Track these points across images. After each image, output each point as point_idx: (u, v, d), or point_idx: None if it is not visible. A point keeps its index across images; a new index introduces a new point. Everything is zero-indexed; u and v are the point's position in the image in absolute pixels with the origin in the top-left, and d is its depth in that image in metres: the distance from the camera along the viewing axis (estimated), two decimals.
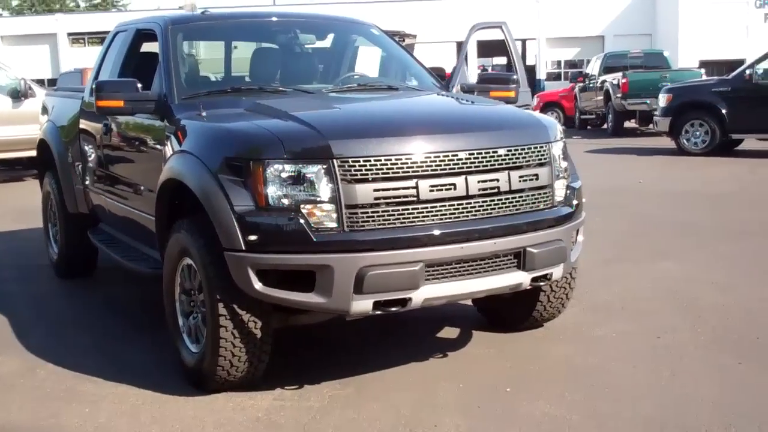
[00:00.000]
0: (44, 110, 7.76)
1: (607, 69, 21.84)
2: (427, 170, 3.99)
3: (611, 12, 46.73)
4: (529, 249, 4.22)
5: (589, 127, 23.57)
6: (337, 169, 3.88)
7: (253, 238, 3.91)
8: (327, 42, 6.10)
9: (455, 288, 4.11)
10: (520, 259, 4.22)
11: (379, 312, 4.01)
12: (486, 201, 4.14)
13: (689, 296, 5.86)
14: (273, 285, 3.95)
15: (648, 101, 18.29)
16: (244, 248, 3.92)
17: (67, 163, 6.72)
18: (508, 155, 4.23)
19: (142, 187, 5.25)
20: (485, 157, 4.14)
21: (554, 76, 47.03)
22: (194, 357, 4.41)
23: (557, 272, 4.44)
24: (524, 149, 4.31)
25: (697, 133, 15.14)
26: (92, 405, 4.29)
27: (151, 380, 4.55)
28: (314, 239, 3.87)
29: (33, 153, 12.10)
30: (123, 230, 5.94)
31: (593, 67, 23.19)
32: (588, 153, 16.40)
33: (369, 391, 4.31)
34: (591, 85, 22.25)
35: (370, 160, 3.90)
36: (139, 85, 4.96)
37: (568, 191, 4.60)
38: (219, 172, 4.07)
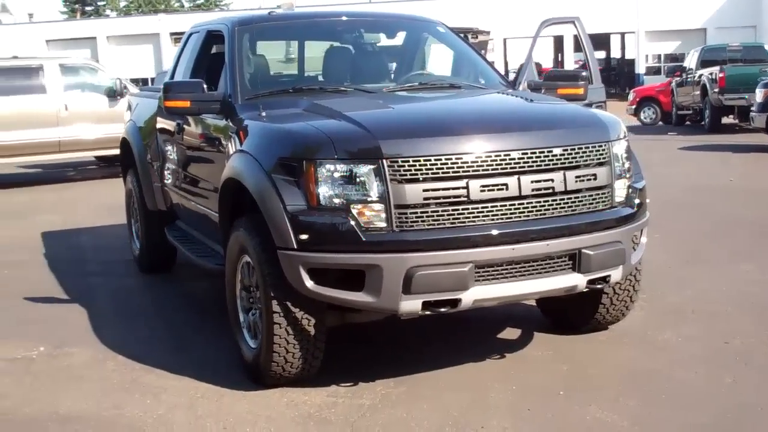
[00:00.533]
0: (129, 109, 8.02)
1: (704, 63, 21.17)
2: (478, 170, 3.97)
3: (713, 4, 45.27)
4: (584, 251, 4.15)
5: (688, 122, 22.89)
6: (386, 169, 3.90)
7: (304, 237, 3.97)
8: (393, 40, 6.11)
9: (506, 289, 4.08)
10: (575, 260, 4.16)
11: (428, 312, 4.01)
12: (540, 201, 4.10)
13: (764, 301, 5.66)
14: (324, 283, 4.00)
15: (746, 96, 17.62)
16: (295, 247, 3.98)
17: (146, 161, 6.93)
18: (563, 155, 4.16)
19: (209, 186, 5.38)
20: (539, 157, 4.10)
21: (654, 71, 45.86)
22: (252, 352, 4.50)
23: (616, 275, 4.35)
24: (581, 148, 4.23)
25: None
26: (154, 397, 4.43)
27: (212, 374, 4.67)
28: (363, 239, 3.90)
29: None
30: (195, 227, 6.10)
31: (690, 61, 22.51)
32: (681, 150, 15.96)
33: (422, 390, 4.32)
34: (688, 79, 21.62)
35: (419, 160, 3.91)
36: (205, 86, 5.08)
37: (630, 191, 4.49)
38: (273, 171, 4.14)
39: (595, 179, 4.27)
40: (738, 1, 45.10)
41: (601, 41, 51.99)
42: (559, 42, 47.34)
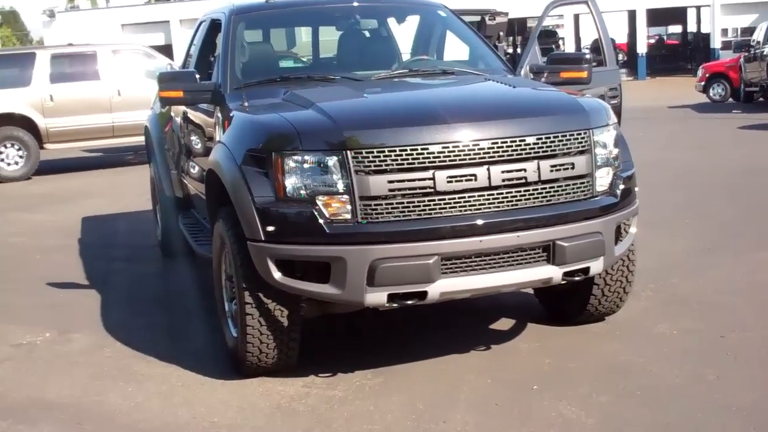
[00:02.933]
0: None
1: None
2: (445, 161, 3.90)
3: None
4: (558, 242, 4.05)
5: (761, 99, 22.07)
6: (350, 160, 3.87)
7: (271, 228, 3.97)
8: (390, 26, 6.04)
9: (476, 282, 4.01)
10: (549, 252, 4.06)
11: (395, 305, 3.98)
12: (511, 192, 4.01)
13: None
14: (291, 275, 4.01)
15: None
16: (263, 239, 3.99)
17: (163, 149, 7.04)
18: (537, 143, 4.06)
19: (204, 175, 5.42)
20: (511, 146, 4.00)
21: (731, 45, 44.38)
22: (233, 341, 4.53)
23: (596, 266, 4.23)
24: (558, 137, 4.12)
25: None
26: (137, 384, 4.51)
27: (200, 364, 4.72)
28: (328, 231, 3.88)
29: None
30: (200, 214, 6.16)
31: (758, 35, 21.69)
32: (741, 129, 15.39)
33: (397, 382, 4.30)
34: (756, 54, 20.84)
35: (384, 151, 3.86)
36: (198, 76, 5.10)
37: (615, 180, 4.35)
38: (244, 163, 4.15)
39: (573, 168, 4.15)
40: None
41: (676, 15, 50.60)
42: (632, 16, 46.22)
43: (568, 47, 43.21)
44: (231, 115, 4.69)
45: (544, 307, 5.22)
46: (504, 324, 5.14)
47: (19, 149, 14.03)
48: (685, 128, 16.21)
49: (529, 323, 5.08)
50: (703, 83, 24.33)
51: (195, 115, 5.67)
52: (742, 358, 4.36)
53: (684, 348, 4.56)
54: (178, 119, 6.28)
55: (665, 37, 54.13)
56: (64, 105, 14.13)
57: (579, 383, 4.15)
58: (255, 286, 4.14)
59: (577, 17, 46.21)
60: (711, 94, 24.11)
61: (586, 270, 4.21)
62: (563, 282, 4.21)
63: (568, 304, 4.97)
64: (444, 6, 6.02)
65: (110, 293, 6.39)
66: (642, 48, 41.95)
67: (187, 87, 5.05)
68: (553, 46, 37.63)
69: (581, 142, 4.20)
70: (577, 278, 4.25)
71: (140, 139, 15.68)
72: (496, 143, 3.98)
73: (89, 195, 11.93)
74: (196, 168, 5.74)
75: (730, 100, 23.44)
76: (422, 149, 3.88)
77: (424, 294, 3.93)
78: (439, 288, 3.92)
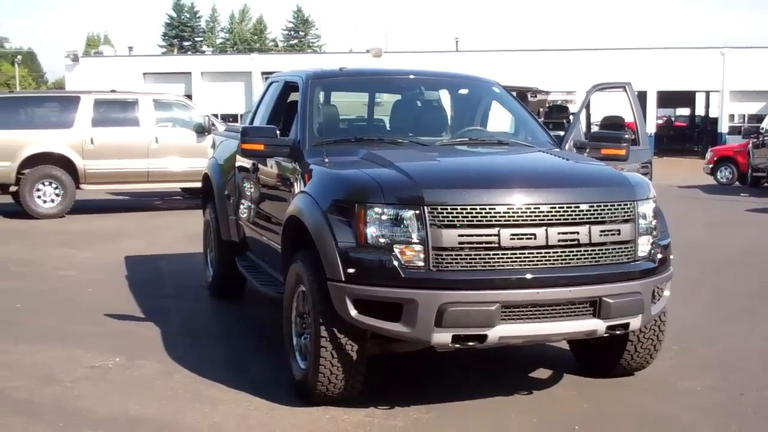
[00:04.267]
0: (213, 146, 8.71)
1: None
2: (509, 220, 4.44)
3: None
4: (605, 298, 4.57)
5: (766, 184, 22.74)
6: (427, 215, 4.41)
7: (351, 270, 4.49)
8: (451, 98, 6.65)
9: (530, 329, 4.52)
10: (595, 307, 4.58)
11: (458, 345, 4.48)
12: (565, 251, 4.54)
13: None
14: (367, 313, 4.51)
15: None
16: (343, 279, 4.51)
17: (224, 195, 7.58)
18: (590, 210, 4.61)
19: (276, 221, 5.96)
20: (566, 211, 4.55)
21: (738, 130, 45.32)
22: (301, 372, 5.02)
23: (635, 323, 4.75)
24: (607, 206, 4.67)
25: None
26: (212, 407, 4.97)
27: (266, 391, 5.19)
28: (403, 275, 4.40)
29: None
30: (262, 258, 6.69)
31: (767, 123, 22.47)
32: (749, 212, 16.02)
33: (450, 417, 4.77)
34: (765, 141, 21.57)
35: (456, 208, 4.40)
36: (278, 132, 5.68)
37: (654, 247, 4.89)
38: (328, 211, 4.69)
39: (619, 234, 4.70)
40: None
41: (685, 99, 51.72)
42: (642, 97, 47.29)
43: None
44: (310, 168, 5.25)
45: (579, 360, 5.72)
46: (542, 373, 5.63)
47: (56, 188, 14.53)
48: (695, 207, 16.80)
49: (566, 374, 5.57)
50: (711, 165, 25.05)
51: (269, 167, 6.21)
52: (761, 414, 4.86)
53: (708, 402, 5.06)
54: (246, 168, 6.83)
55: (673, 119, 55.13)
56: (104, 148, 14.72)
57: (614, 428, 4.64)
58: (330, 322, 4.65)
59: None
60: (718, 177, 24.79)
61: (627, 325, 4.73)
62: (606, 335, 4.72)
63: (603, 358, 5.47)
64: (497, 82, 6.65)
65: (168, 326, 6.86)
66: (651, 128, 42.85)
67: (268, 141, 5.62)
68: (564, 121, 38.65)
69: (627, 212, 4.75)
70: (618, 332, 4.77)
71: (171, 186, 16.51)
72: (554, 207, 4.53)
73: (126, 236, 12.44)
74: (266, 214, 6.27)
75: (737, 183, 24.10)
76: (490, 209, 4.43)
77: (484, 337, 4.44)
78: (498, 332, 4.43)
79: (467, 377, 5.57)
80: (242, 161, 7.06)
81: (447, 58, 47.47)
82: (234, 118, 44.74)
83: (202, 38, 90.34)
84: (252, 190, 6.67)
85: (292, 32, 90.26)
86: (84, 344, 6.35)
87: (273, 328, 6.76)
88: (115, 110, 15.31)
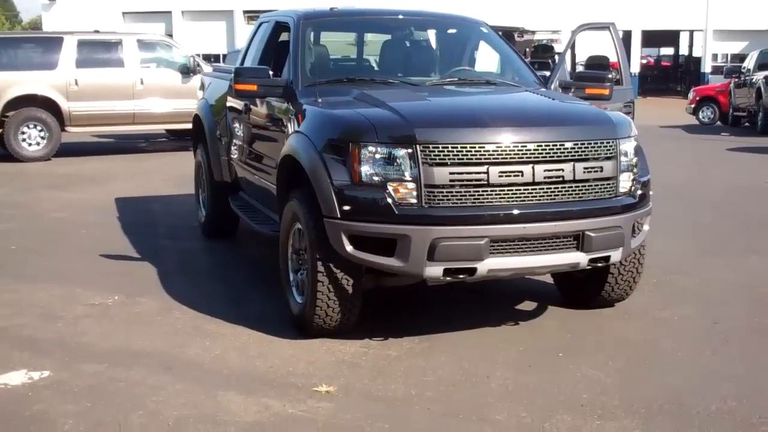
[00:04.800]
0: (201, 87, 8.79)
1: (762, 66, 21.31)
2: (498, 158, 4.63)
3: None
4: (587, 232, 4.79)
5: (747, 124, 22.99)
6: (419, 153, 4.59)
7: (347, 208, 4.69)
8: (440, 38, 6.78)
9: (517, 262, 4.75)
10: (579, 240, 4.80)
11: (449, 278, 4.70)
12: (550, 188, 4.75)
13: (763, 291, 6.23)
14: (362, 249, 4.72)
15: None
16: (339, 216, 4.70)
17: (216, 137, 7.71)
18: (574, 148, 4.80)
19: (270, 161, 6.11)
20: (552, 149, 4.74)
21: (721, 70, 45.47)
22: (299, 306, 5.23)
23: (615, 255, 4.98)
24: (591, 143, 4.87)
25: None
26: (212, 340, 5.19)
27: (264, 325, 5.40)
28: (396, 212, 4.60)
29: None
30: (255, 197, 6.86)
31: (749, 63, 22.65)
32: (729, 151, 16.29)
33: (441, 346, 5.02)
34: (746, 81, 21.78)
35: (447, 146, 4.59)
36: (271, 72, 5.81)
37: (634, 184, 5.11)
38: (323, 151, 4.86)
39: (601, 171, 4.90)
40: None
41: (669, 38, 51.70)
42: (627, 37, 47.26)
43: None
44: (304, 108, 5.39)
45: (562, 293, 5.97)
46: (528, 305, 5.88)
47: (41, 130, 14.53)
48: (677, 147, 17.06)
49: (549, 306, 5.83)
50: (693, 106, 25.26)
51: (262, 107, 6.34)
52: (732, 340, 5.14)
53: (683, 330, 5.34)
54: (238, 109, 6.95)
55: (653, 59, 55.16)
56: (88, 90, 14.70)
57: (597, 353, 4.90)
58: (327, 257, 4.85)
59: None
60: (700, 117, 25.03)
61: (608, 258, 4.97)
62: (588, 267, 4.95)
63: (585, 290, 5.72)
64: (485, 22, 6.78)
65: (164, 265, 7.03)
66: (635, 68, 42.90)
67: (261, 82, 5.75)
68: (549, 61, 38.66)
69: (609, 150, 4.95)
70: (599, 264, 5.01)
71: (157, 128, 16.56)
72: (540, 145, 4.72)
73: (114, 178, 12.55)
74: (260, 154, 6.42)
75: (719, 123, 24.36)
76: (479, 147, 4.61)
77: (474, 270, 4.66)
78: (487, 266, 4.65)
79: (456, 310, 5.82)
80: (233, 102, 7.18)
81: None
82: (216, 58, 44.35)
83: None
84: (245, 130, 6.81)
85: None
86: (82, 283, 6.51)
87: (267, 266, 7.00)
88: (98, 51, 15.23)
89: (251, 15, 54.48)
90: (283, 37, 6.81)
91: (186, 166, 13.50)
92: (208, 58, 38.01)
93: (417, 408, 4.16)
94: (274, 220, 6.22)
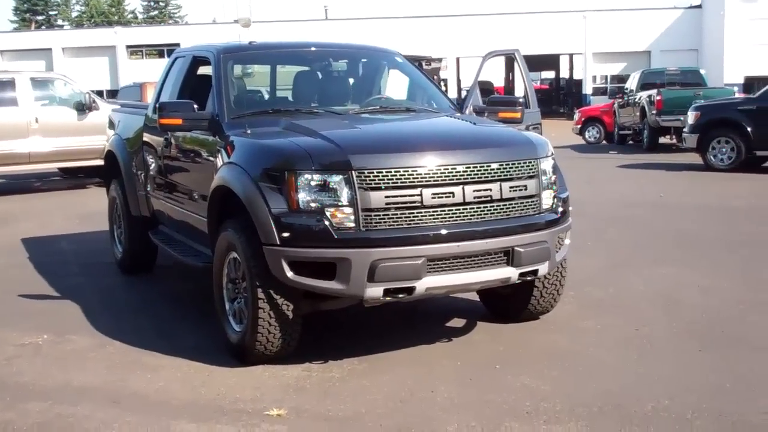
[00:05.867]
0: (111, 125, 8.73)
1: (644, 86, 22.44)
2: (430, 181, 4.83)
3: (658, 28, 47.08)
4: (516, 248, 5.03)
5: (631, 142, 24.08)
6: (355, 179, 4.74)
7: (286, 234, 4.79)
8: (356, 68, 6.98)
9: (453, 279, 4.94)
10: (509, 256, 5.04)
11: (389, 298, 4.85)
12: (480, 207, 4.97)
13: (675, 297, 6.62)
14: (302, 274, 4.82)
15: (681, 118, 18.80)
16: (278, 243, 4.80)
17: (132, 172, 7.68)
18: (499, 169, 5.04)
19: (196, 193, 6.16)
20: (480, 170, 4.97)
21: (601, 91, 47.47)
22: (237, 335, 5.29)
23: (543, 269, 5.24)
24: (514, 164, 5.12)
25: (724, 149, 15.76)
26: (153, 373, 5.19)
27: (201, 356, 5.42)
28: (336, 236, 4.73)
29: (96, 162, 13.23)
30: (179, 230, 6.87)
31: (632, 84, 23.79)
32: (619, 168, 17.07)
33: (381, 366, 5.16)
34: (629, 101, 22.84)
35: (382, 172, 4.75)
36: (195, 106, 5.87)
37: (555, 200, 5.40)
38: (259, 180, 4.96)
39: (525, 189, 5.16)
40: (681, 25, 46.99)
41: (550, 62, 53.60)
42: (510, 62, 48.72)
43: (450, 87, 45.31)
44: (232, 140, 5.48)
45: (488, 308, 6.20)
46: (457, 322, 6.09)
47: None
48: (570, 166, 17.53)
49: (478, 321, 6.05)
50: (579, 126, 26.28)
51: (184, 141, 6.37)
52: (655, 344, 5.45)
53: (608, 338, 5.63)
54: (156, 143, 6.96)
55: (539, 82, 57.01)
56: None
57: (531, 363, 5.13)
58: (266, 284, 4.94)
59: (458, 60, 48.44)
60: (587, 136, 26.07)
61: (536, 272, 5.22)
62: (518, 281, 5.19)
63: (511, 304, 5.96)
64: (399, 52, 7.02)
65: (87, 303, 6.94)
66: (519, 92, 44.10)
67: (186, 116, 5.81)
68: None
69: (531, 168, 5.21)
70: (528, 278, 5.25)
71: (52, 167, 16.22)
72: (469, 167, 4.94)
73: (15, 218, 12.25)
74: (184, 187, 6.45)
75: (604, 141, 25.42)
76: (413, 171, 4.80)
77: (413, 289, 4.83)
78: (425, 284, 4.83)
79: (390, 331, 5.97)
80: (150, 136, 7.19)
81: (317, 26, 47.65)
82: (100, 94, 43.65)
83: (56, 12, 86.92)
84: (165, 164, 6.83)
85: (152, 2, 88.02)
86: (6, 324, 6.38)
87: (193, 297, 7.04)
88: None
89: (134, 50, 54.00)
90: (201, 70, 6.88)
91: (86, 204, 13.37)
92: (97, 96, 37.35)
93: (370, 424, 4.28)
94: (201, 252, 6.26)
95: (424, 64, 8.54)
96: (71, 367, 5.37)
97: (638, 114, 21.70)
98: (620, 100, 23.91)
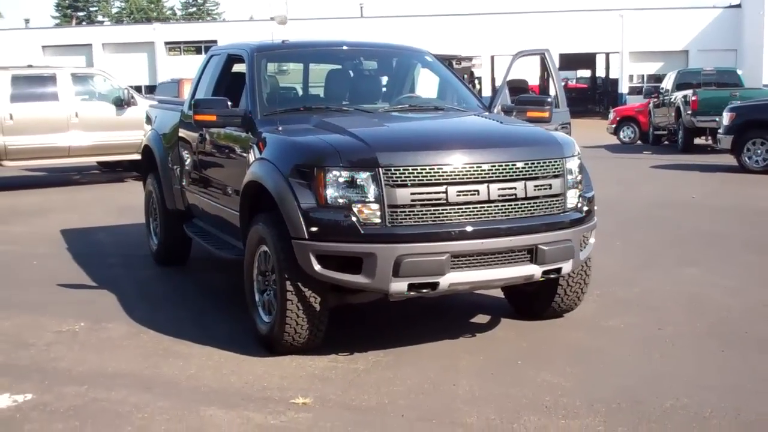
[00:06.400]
0: (148, 120, 8.94)
1: (680, 86, 22.28)
2: (455, 178, 4.94)
3: (696, 27, 46.64)
4: (540, 246, 5.13)
5: (666, 142, 23.95)
6: (382, 176, 4.87)
7: (314, 229, 4.94)
8: (387, 67, 7.11)
9: (476, 276, 5.05)
10: (532, 254, 5.13)
11: (413, 293, 4.98)
12: (505, 205, 5.07)
13: (700, 298, 6.67)
14: (329, 267, 4.97)
15: (717, 119, 18.66)
16: (307, 237, 4.95)
17: (168, 166, 7.87)
18: (524, 167, 5.15)
19: (229, 188, 6.32)
20: (505, 169, 5.07)
21: (637, 90, 47.11)
22: (266, 326, 5.44)
23: (566, 267, 5.33)
24: (539, 163, 5.22)
25: (759, 151, 15.66)
26: (185, 360, 5.36)
27: (232, 345, 5.59)
28: (362, 232, 4.87)
29: (134, 156, 13.52)
30: (213, 224, 7.05)
31: (667, 83, 23.63)
32: (653, 168, 17.03)
33: (406, 359, 5.28)
34: (664, 101, 22.72)
35: (408, 169, 4.88)
36: (230, 103, 6.04)
37: (580, 199, 5.48)
38: (289, 176, 5.11)
39: (550, 188, 5.25)
40: (720, 24, 46.49)
41: (586, 60, 53.33)
42: (543, 61, 48.67)
43: (485, 85, 45.31)
44: (265, 137, 5.63)
45: (513, 305, 6.30)
46: (482, 319, 6.20)
47: None
48: (603, 166, 17.65)
49: (503, 318, 6.15)
50: (614, 125, 26.17)
51: (218, 137, 6.55)
52: (677, 343, 5.52)
53: (631, 336, 5.71)
54: (192, 139, 7.14)
55: (574, 81, 56.69)
56: (24, 124, 14.68)
57: (554, 360, 5.23)
58: (295, 277, 5.08)
59: (492, 58, 48.39)
60: (621, 136, 25.96)
61: (559, 270, 5.31)
62: (541, 279, 5.29)
63: (536, 302, 6.05)
64: (428, 51, 7.14)
65: (123, 293, 7.16)
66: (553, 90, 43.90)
67: (220, 112, 5.97)
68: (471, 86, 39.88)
69: (556, 168, 5.31)
70: (552, 276, 5.35)
71: (91, 160, 16.56)
72: (494, 166, 5.05)
73: (56, 210, 12.54)
74: (218, 181, 6.62)
75: (639, 142, 25.30)
76: (438, 168, 4.92)
77: (436, 284, 4.95)
78: (449, 280, 4.94)
79: (415, 325, 6.10)
80: (186, 132, 7.37)
81: (352, 24, 47.86)
82: (138, 89, 44.18)
83: (96, 8, 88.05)
84: (200, 159, 7.00)
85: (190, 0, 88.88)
86: (46, 312, 6.61)
87: (224, 289, 7.20)
88: (33, 85, 15.25)
89: (172, 46, 54.58)
90: (236, 68, 7.04)
91: (124, 197, 13.67)
92: (135, 91, 37.83)
93: (392, 415, 4.42)
94: (234, 245, 6.42)
95: (454, 63, 8.62)
96: (106, 353, 5.56)
97: (673, 114, 21.58)
98: (655, 99, 23.77)
